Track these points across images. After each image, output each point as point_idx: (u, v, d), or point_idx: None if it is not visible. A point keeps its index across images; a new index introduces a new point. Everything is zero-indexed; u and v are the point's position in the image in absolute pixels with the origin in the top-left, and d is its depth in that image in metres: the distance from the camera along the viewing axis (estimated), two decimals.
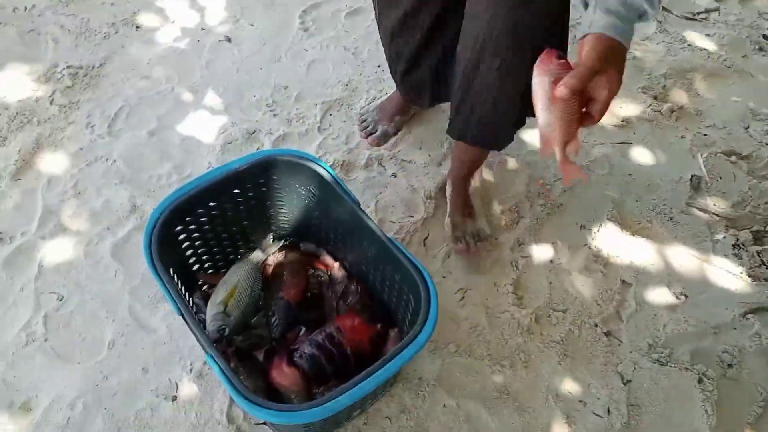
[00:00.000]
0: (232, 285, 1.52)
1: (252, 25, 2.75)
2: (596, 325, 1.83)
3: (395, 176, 2.18)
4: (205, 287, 1.62)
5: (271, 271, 1.66)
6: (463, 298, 1.86)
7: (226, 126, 2.32)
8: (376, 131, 2.21)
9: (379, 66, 2.57)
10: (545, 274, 1.94)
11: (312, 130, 2.31)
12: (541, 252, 2.00)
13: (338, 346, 1.39)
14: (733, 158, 2.32)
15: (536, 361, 1.74)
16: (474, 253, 1.90)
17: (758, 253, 2.03)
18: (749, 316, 1.87)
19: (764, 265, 2.00)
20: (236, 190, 1.58)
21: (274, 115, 2.37)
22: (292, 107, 2.40)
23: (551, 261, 1.98)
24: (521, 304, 1.86)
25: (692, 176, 2.23)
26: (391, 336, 1.51)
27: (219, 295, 1.49)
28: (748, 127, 2.42)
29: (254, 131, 2.30)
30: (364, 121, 2.25)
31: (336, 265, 1.68)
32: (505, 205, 2.10)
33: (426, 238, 2.00)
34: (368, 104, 2.38)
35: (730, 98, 2.53)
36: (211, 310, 1.45)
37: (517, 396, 1.66)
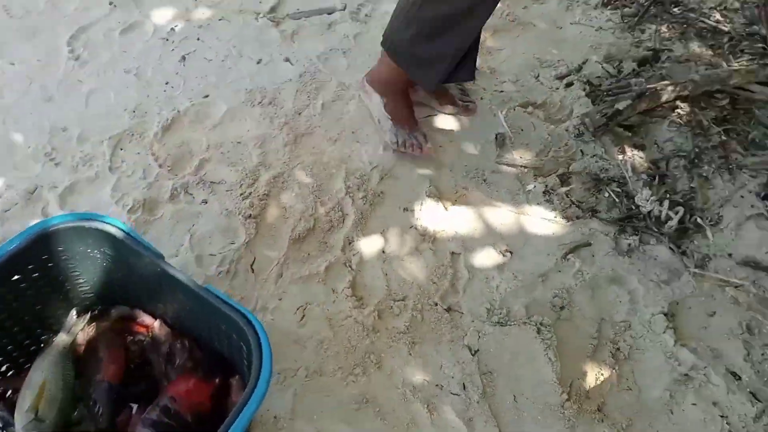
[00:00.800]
0: (39, 384, 1.42)
1: (12, 64, 2.53)
2: (436, 304, 1.98)
3: (206, 202, 2.15)
4: (8, 394, 1.51)
5: (83, 350, 1.59)
6: (303, 316, 1.91)
7: (0, 191, 2.14)
8: (418, 140, 2.28)
9: (167, 83, 2.50)
10: (380, 267, 2.05)
11: (103, 172, 2.20)
12: (371, 245, 2.11)
13: (176, 417, 1.38)
14: (530, 109, 2.58)
15: (387, 359, 1.85)
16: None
17: (566, 194, 2.31)
18: (569, 256, 2.14)
19: (574, 204, 2.28)
20: (16, 276, 1.48)
21: (56, 165, 2.22)
22: (75, 150, 2.27)
23: (383, 251, 2.09)
24: (362, 304, 1.96)
25: (497, 134, 2.46)
26: (233, 385, 1.52)
27: (26, 401, 1.39)
28: (538, 76, 2.71)
29: (35, 189, 2.15)
30: (402, 143, 2.27)
31: (156, 323, 1.65)
32: (327, 206, 2.18)
33: (253, 262, 2.02)
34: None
35: (518, 51, 2.80)
36: (20, 421, 1.36)
37: (375, 401, 1.76)
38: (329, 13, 2.88)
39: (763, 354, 1.91)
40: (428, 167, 2.33)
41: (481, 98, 2.59)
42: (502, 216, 2.23)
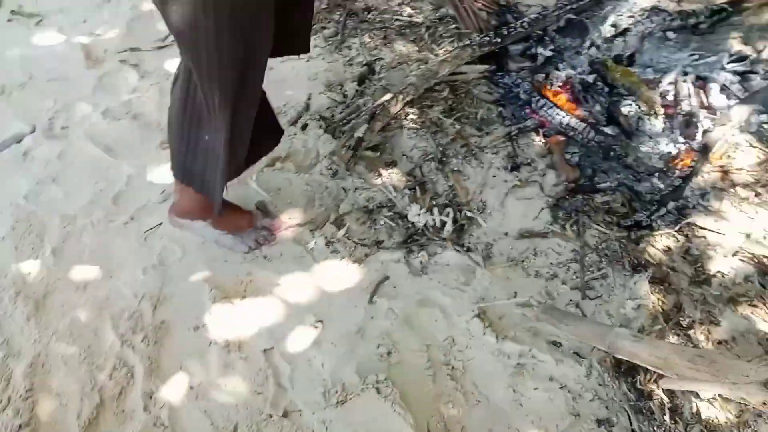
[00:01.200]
0: None
1: None
2: (270, 416, 1.87)
3: None
4: None
5: None
6: None
7: None
8: (266, 227, 2.28)
9: None
10: (195, 407, 1.88)
11: None
12: (176, 388, 1.92)
13: None
14: (278, 165, 2.56)
15: None
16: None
17: (347, 237, 2.33)
18: (374, 298, 2.16)
19: (358, 244, 2.31)
20: None
21: None
22: None
23: (191, 388, 1.92)
24: None
25: (256, 204, 2.41)
26: None
27: None
28: None
29: None
30: (256, 243, 2.25)
31: None
32: (106, 369, 1.94)
33: None
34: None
35: None
36: None
37: None
38: (18, 142, 2.55)
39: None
40: (202, 269, 2.19)
41: None
42: (297, 287, 2.18)
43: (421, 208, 2.34)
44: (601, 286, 2.16)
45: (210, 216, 2.15)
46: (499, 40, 2.77)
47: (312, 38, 2.98)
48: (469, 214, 2.36)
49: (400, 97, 2.62)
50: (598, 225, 2.29)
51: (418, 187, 2.44)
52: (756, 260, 2.20)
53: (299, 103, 2.75)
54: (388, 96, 2.61)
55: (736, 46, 2.81)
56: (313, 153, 2.58)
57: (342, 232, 2.33)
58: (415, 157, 2.56)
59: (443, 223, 2.32)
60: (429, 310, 2.13)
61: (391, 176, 2.49)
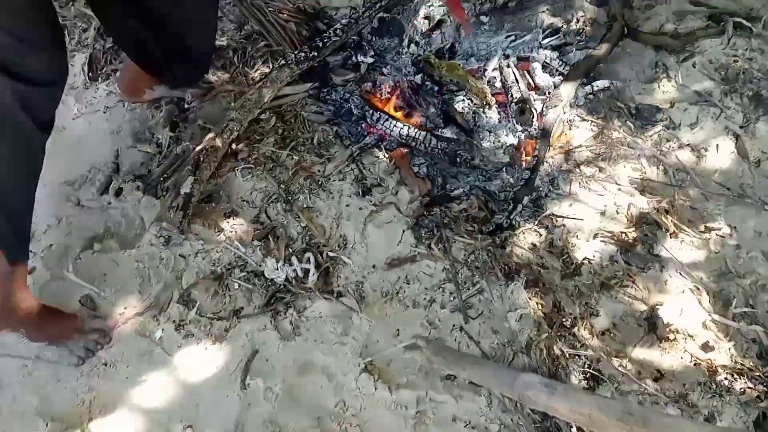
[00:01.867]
0: None
1: None
2: None
3: None
4: None
5: None
6: None
7: None
8: (96, 328, 1.89)
9: None
10: None
11: None
12: None
13: None
14: (98, 246, 2.13)
15: None
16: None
17: (199, 315, 2.00)
18: (247, 381, 1.87)
19: (213, 320, 1.99)
20: None
21: None
22: None
23: None
24: None
25: (80, 299, 1.98)
26: None
27: None
28: (79, 203, 2.24)
29: None
30: (86, 351, 1.85)
31: None
32: None
33: None
34: None
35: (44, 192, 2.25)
36: None
37: None
38: None
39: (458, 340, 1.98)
40: (29, 399, 1.77)
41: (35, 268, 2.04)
42: (153, 391, 1.83)
43: (277, 261, 2.06)
44: (480, 302, 2.04)
45: (22, 322, 1.71)
46: (316, 53, 2.52)
47: (104, 85, 2.53)
48: (331, 254, 2.12)
49: (224, 135, 2.28)
50: (462, 236, 2.17)
51: (269, 236, 2.14)
52: (615, 238, 2.20)
53: (106, 164, 2.31)
54: (210, 136, 2.26)
55: (547, 19, 2.81)
56: (136, 222, 2.18)
57: (192, 311, 1.99)
58: (256, 200, 2.26)
59: (306, 272, 2.06)
60: (311, 378, 1.88)
61: (235, 229, 2.17)
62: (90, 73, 2.58)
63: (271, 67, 2.60)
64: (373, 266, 2.12)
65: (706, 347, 1.97)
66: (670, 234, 2.21)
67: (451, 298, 2.04)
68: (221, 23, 2.78)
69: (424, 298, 2.05)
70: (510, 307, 2.01)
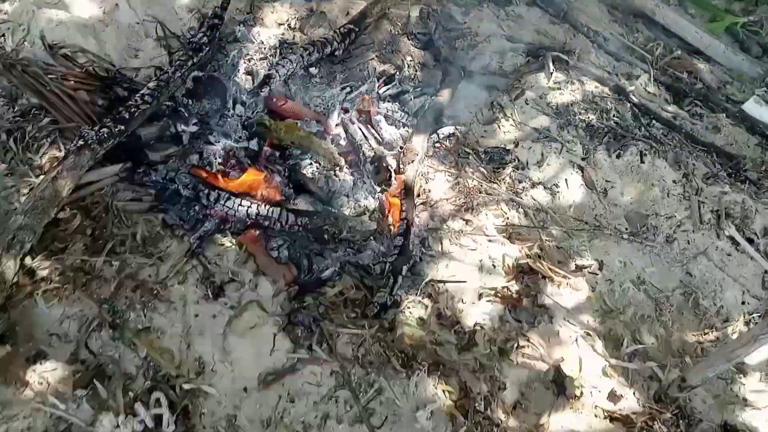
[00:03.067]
0: None
1: None
2: None
3: None
4: None
5: None
6: None
7: None
8: None
9: None
10: None
11: None
12: None
13: None
14: None
15: None
16: None
17: None
18: None
19: None
20: None
21: None
22: None
23: None
24: None
25: None
26: None
27: None
28: None
29: None
30: None
31: None
32: None
33: None
34: None
35: None
36: None
37: None
38: None
39: None
40: None
41: None
42: None
43: (117, 414, 1.51)
44: (382, 405, 1.70)
45: None
46: (123, 126, 1.98)
47: None
48: (187, 386, 1.62)
49: (12, 251, 1.65)
50: (346, 327, 1.80)
51: (95, 380, 1.57)
52: (499, 295, 2.00)
53: None
54: None
55: (378, 66, 2.57)
56: None
57: None
58: (71, 332, 1.68)
59: (158, 419, 1.53)
60: None
61: (46, 377, 1.57)
62: None
63: (63, 149, 2.00)
64: (245, 389, 1.67)
65: (613, 397, 1.84)
66: (548, 280, 2.08)
67: (348, 408, 1.67)
68: None
69: (315, 416, 1.65)
70: (417, 403, 1.69)
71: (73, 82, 2.19)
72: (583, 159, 2.44)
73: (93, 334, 1.68)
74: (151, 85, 2.14)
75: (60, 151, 2.03)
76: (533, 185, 2.36)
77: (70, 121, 2.10)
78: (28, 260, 1.73)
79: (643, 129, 2.57)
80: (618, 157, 2.47)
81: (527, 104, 2.58)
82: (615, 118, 2.58)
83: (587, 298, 2.09)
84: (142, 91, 2.12)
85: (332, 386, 1.70)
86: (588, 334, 1.98)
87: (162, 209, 1.98)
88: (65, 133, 2.08)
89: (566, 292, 2.09)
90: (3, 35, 2.31)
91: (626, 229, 2.31)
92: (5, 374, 1.56)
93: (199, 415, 1.60)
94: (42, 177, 1.86)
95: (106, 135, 1.95)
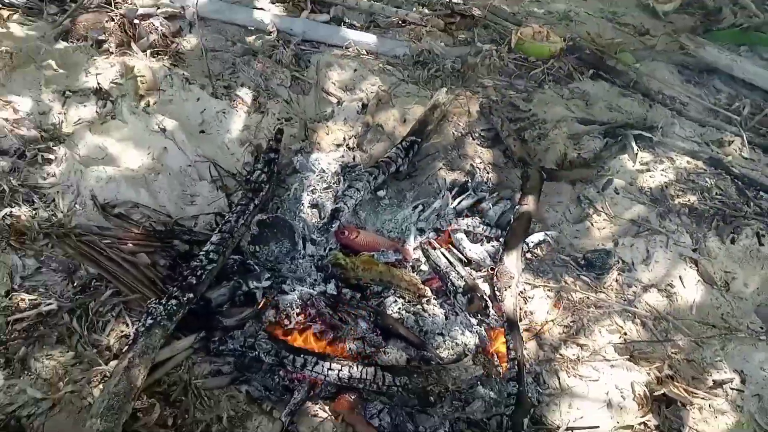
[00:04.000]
0: None
1: None
2: None
3: None
4: None
5: None
6: None
7: None
8: None
9: None
10: None
11: None
12: None
13: None
14: None
15: None
16: None
17: None
18: None
19: None
20: None
21: None
22: None
23: None
24: None
25: None
26: None
27: None
28: None
29: None
30: None
31: None
32: None
33: None
34: None
35: None
36: None
37: None
38: None
39: None
40: None
41: None
42: None
43: None
44: None
45: None
46: (191, 294, 1.86)
47: None
48: None
49: None
50: None
51: None
52: None
53: None
54: None
55: (447, 176, 2.42)
56: None
57: None
58: None
59: None
60: None
61: None
62: None
63: (130, 324, 1.87)
64: None
65: None
66: (688, 406, 1.82)
67: None
68: (42, 276, 2.02)
69: None
70: None
71: (130, 244, 2.09)
72: (693, 250, 2.21)
73: None
74: (214, 239, 2.03)
75: (127, 326, 1.90)
76: (645, 289, 2.14)
77: (134, 290, 1.98)
78: None
79: (752, 204, 2.33)
80: (732, 242, 2.23)
81: (617, 193, 2.38)
82: (718, 196, 2.36)
83: (736, 423, 1.82)
84: (206, 248, 2.00)
85: None
86: None
87: (244, 380, 1.82)
88: (130, 304, 1.97)
89: (710, 418, 1.82)
90: (54, 200, 2.25)
91: (761, 327, 2.05)
92: None
93: None
94: (113, 366, 1.73)
95: (175, 307, 1.82)
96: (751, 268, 2.19)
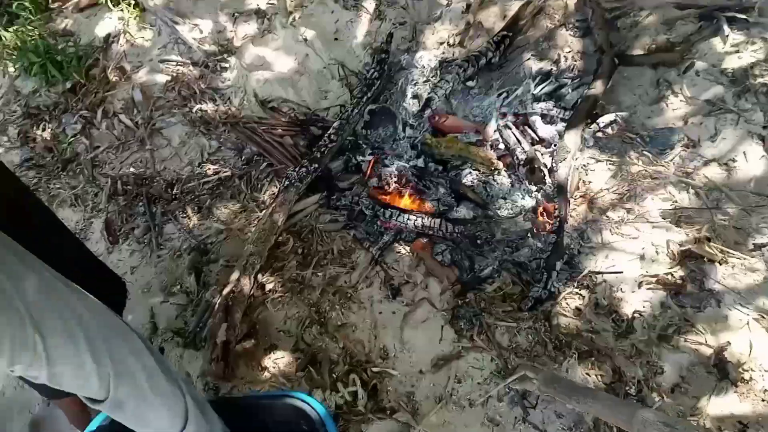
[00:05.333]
0: None
1: None
2: None
3: None
4: None
5: None
6: None
7: None
8: None
9: None
10: None
11: None
12: None
13: None
14: None
15: None
16: None
17: None
18: None
19: None
20: None
21: None
22: None
23: None
24: None
25: None
26: None
27: None
28: None
29: None
30: None
31: None
32: None
33: None
34: None
35: None
36: None
37: None
38: None
39: None
40: None
41: None
42: None
43: (324, 390, 2.07)
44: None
45: None
46: (317, 165, 2.57)
47: (126, 244, 2.63)
48: (375, 369, 2.12)
49: (247, 273, 2.33)
50: (503, 320, 2.13)
51: (309, 366, 2.16)
52: (661, 282, 2.12)
53: (143, 324, 2.38)
54: (234, 276, 2.31)
55: (534, 66, 2.79)
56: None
57: None
58: (292, 329, 2.28)
59: (354, 395, 2.05)
60: None
61: (278, 364, 2.20)
62: (110, 237, 2.69)
63: (278, 186, 2.65)
64: (420, 371, 2.11)
65: None
66: (719, 263, 2.12)
67: (507, 390, 2.00)
68: (222, 153, 2.88)
69: (479, 394, 2.02)
70: None
71: (280, 130, 2.85)
72: (764, 127, 2.36)
73: (307, 330, 2.27)
74: (336, 124, 2.70)
75: (276, 187, 2.69)
76: (706, 163, 2.37)
77: (282, 163, 2.75)
78: (259, 277, 2.40)
79: None
80: None
81: (698, 75, 2.55)
82: None
83: (765, 279, 2.08)
84: (329, 132, 2.69)
85: (492, 370, 2.05)
86: (762, 317, 2.00)
87: (352, 227, 2.51)
88: (279, 173, 2.74)
89: (740, 274, 2.11)
90: (229, 98, 3.09)
91: None
92: (252, 360, 2.23)
93: (384, 392, 2.08)
94: (264, 212, 2.53)
95: (304, 173, 2.55)
96: None
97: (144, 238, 2.66)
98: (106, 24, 3.36)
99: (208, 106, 3.00)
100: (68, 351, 1.14)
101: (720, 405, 1.85)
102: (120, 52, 3.24)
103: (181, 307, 2.44)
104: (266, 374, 2.19)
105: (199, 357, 2.27)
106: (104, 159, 2.96)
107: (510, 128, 2.53)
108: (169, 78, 3.09)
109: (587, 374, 1.95)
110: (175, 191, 2.77)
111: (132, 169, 2.88)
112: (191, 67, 3.12)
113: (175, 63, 3.15)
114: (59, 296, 1.16)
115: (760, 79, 2.45)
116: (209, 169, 2.82)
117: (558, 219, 2.25)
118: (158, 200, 2.76)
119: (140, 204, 2.75)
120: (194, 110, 2.96)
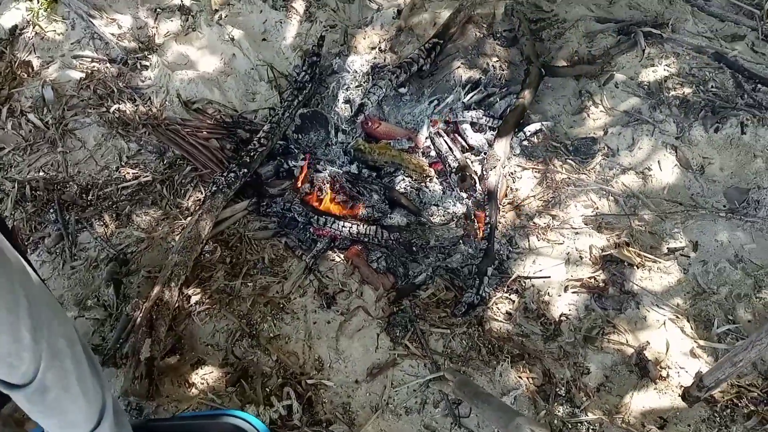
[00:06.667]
0: None
1: None
2: None
3: None
4: None
5: None
6: None
7: None
8: None
9: None
10: None
11: None
12: None
13: None
14: None
15: None
16: None
17: None
18: None
19: None
20: None
21: None
22: None
23: None
24: None
25: None
26: None
27: None
28: None
29: None
30: None
31: None
32: None
33: None
34: None
35: None
36: None
37: None
38: None
39: None
40: None
41: None
42: None
43: (257, 405, 2.04)
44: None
45: None
46: (246, 169, 2.53)
47: (36, 254, 2.49)
48: (310, 381, 2.11)
49: (172, 283, 2.26)
50: (437, 326, 2.18)
51: (241, 379, 2.12)
52: (585, 285, 2.24)
53: None
54: (157, 290, 2.24)
55: (464, 74, 2.87)
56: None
57: None
58: (221, 342, 2.24)
59: (289, 408, 2.04)
60: None
61: (206, 379, 2.14)
62: (17, 247, 2.53)
63: (203, 192, 2.59)
64: (356, 381, 2.12)
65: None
66: (636, 266, 2.27)
67: (442, 395, 2.05)
68: (142, 156, 2.77)
69: (415, 402, 2.05)
70: (502, 390, 2.02)
71: (205, 132, 2.78)
72: (677, 138, 2.55)
73: (237, 343, 2.23)
74: (266, 128, 2.67)
75: (201, 193, 2.62)
76: (624, 171, 2.53)
77: (207, 167, 2.69)
78: (184, 289, 2.33)
79: (746, 97, 2.58)
80: (716, 131, 2.53)
81: (617, 87, 2.72)
82: (714, 89, 2.62)
83: (677, 281, 2.24)
84: (258, 135, 2.65)
85: (427, 377, 2.09)
86: (677, 317, 2.16)
87: (284, 234, 2.49)
88: (204, 177, 2.68)
89: (656, 276, 2.26)
90: (149, 98, 2.98)
91: (724, 206, 2.40)
92: (177, 377, 2.17)
93: (320, 404, 2.08)
94: (189, 219, 2.46)
95: (233, 179, 2.51)
96: (729, 154, 2.49)
97: (56, 248, 2.52)
98: (13, 14, 3.15)
99: (127, 106, 2.88)
100: (10, 318, 1.05)
101: (642, 401, 1.98)
102: (28, 45, 3.05)
103: (98, 321, 2.34)
104: (194, 391, 2.13)
105: (120, 375, 2.18)
106: (10, 161, 2.78)
107: (441, 136, 2.59)
108: (83, 75, 2.94)
109: (519, 377, 2.03)
110: (90, 197, 2.65)
111: (42, 173, 2.72)
112: (108, 65, 2.99)
113: (90, 59, 3.01)
114: (4, 262, 1.07)
115: (672, 92, 2.63)
116: (128, 173, 2.71)
117: (488, 225, 2.33)
118: (72, 207, 2.62)
119: (51, 211, 2.61)
120: (111, 110, 2.84)
